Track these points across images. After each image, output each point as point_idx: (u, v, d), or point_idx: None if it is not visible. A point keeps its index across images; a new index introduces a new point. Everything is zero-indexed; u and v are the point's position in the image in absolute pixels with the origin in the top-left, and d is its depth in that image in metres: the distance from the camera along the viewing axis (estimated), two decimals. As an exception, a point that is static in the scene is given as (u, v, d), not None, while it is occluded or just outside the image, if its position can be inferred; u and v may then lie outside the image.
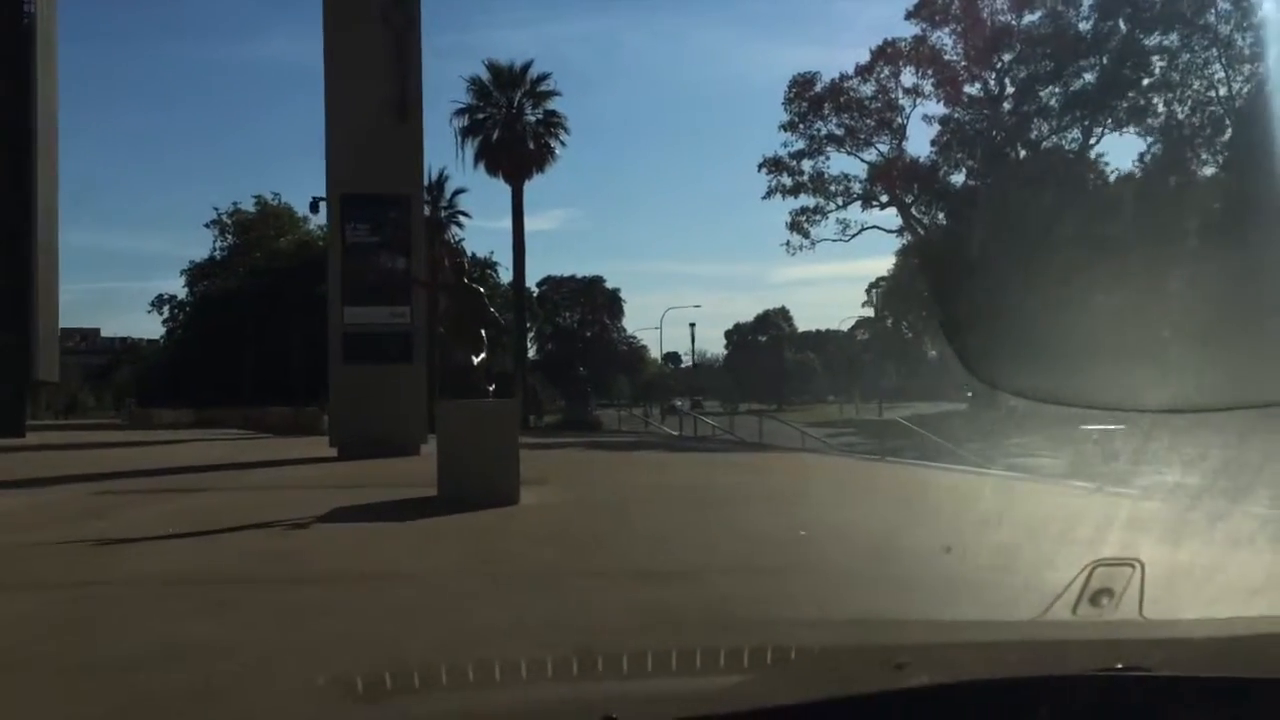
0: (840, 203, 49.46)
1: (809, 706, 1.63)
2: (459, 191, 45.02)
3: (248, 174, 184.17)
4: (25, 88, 35.92)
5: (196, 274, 59.30)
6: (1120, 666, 1.71)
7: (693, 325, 57.72)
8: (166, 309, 61.09)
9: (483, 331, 12.15)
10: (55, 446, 28.04)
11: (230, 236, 61.27)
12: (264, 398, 45.46)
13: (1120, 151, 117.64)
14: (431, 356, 22.87)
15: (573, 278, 73.73)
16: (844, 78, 48.29)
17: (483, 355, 11.90)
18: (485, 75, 42.77)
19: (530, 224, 56.00)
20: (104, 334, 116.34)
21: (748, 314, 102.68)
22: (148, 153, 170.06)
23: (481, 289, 12.30)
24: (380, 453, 19.02)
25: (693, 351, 65.30)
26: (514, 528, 9.58)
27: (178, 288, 62.28)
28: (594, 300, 72.67)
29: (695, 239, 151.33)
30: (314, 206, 23.14)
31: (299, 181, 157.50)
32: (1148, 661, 1.76)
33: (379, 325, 20.86)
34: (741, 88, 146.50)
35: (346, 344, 20.84)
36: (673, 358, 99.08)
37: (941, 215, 49.32)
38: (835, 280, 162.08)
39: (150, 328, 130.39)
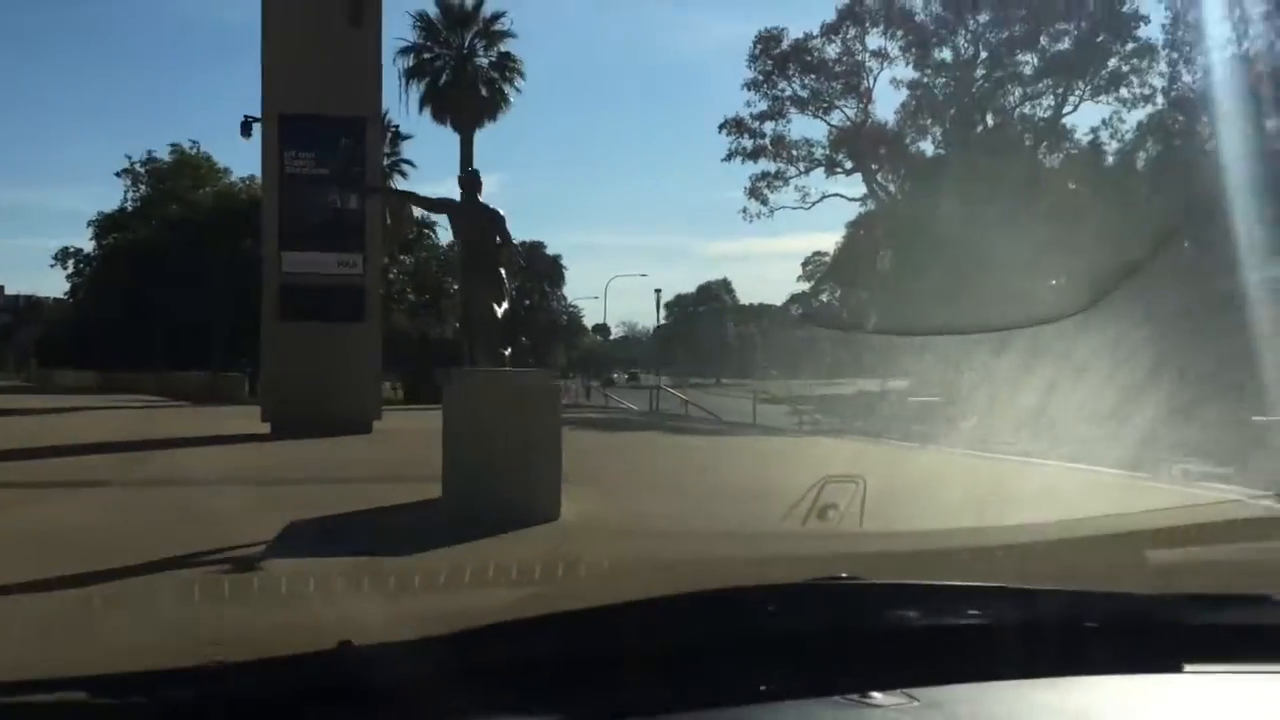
0: (802, 168, 46.20)
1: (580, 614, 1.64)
2: (403, 138, 40.61)
3: (164, 127, 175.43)
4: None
5: (105, 226, 53.56)
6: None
7: (659, 291, 51.99)
8: (71, 264, 55.32)
9: (502, 272, 8.37)
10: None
11: (144, 187, 55.75)
12: (178, 361, 40.67)
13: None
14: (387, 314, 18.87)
15: (512, 242, 69.39)
16: (809, 37, 45.02)
17: (505, 305, 8.12)
18: (434, 12, 38.37)
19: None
20: (8, 291, 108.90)
21: (687, 286, 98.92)
22: (56, 106, 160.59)
23: (501, 211, 8.43)
24: (324, 430, 15.14)
25: (658, 319, 60.70)
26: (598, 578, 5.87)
27: (84, 242, 56.66)
28: (534, 266, 68.19)
29: (635, 208, 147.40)
30: (246, 128, 18.78)
31: (218, 133, 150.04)
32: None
33: (324, 275, 16.81)
34: (690, 58, 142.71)
35: (284, 297, 16.72)
36: (601, 330, 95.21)
37: (907, 184, 46.35)
38: (777, 256, 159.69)
39: (57, 285, 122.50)
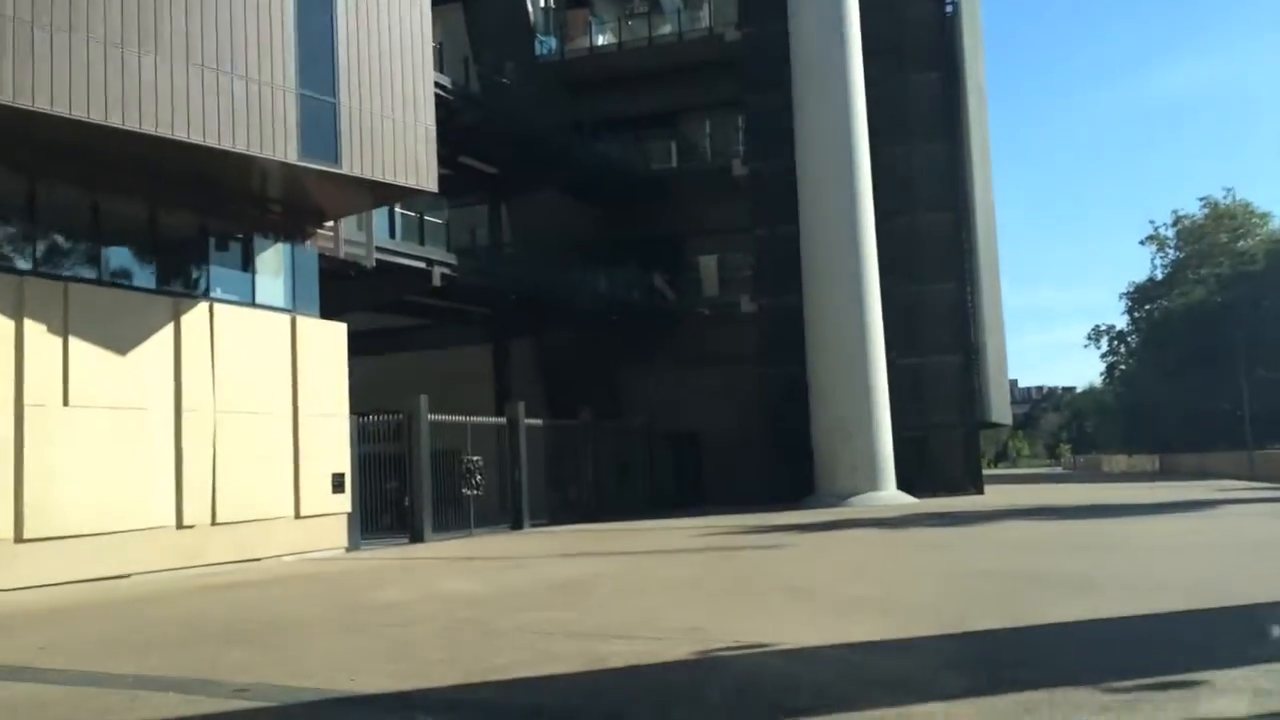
0: None
1: None
2: None
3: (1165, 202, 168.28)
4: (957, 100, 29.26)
5: (1137, 298, 48.93)
6: None
7: None
8: (1104, 341, 51.69)
9: None
10: (1020, 513, 19.89)
11: (1171, 250, 50.00)
12: (1267, 435, 32.92)
13: None
14: None
15: None
16: None
17: None
18: None
19: None
20: (1020, 385, 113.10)
21: None
22: (1050, 211, 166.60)
23: None
24: None
25: None
26: None
27: (1115, 318, 52.91)
28: None
29: None
30: None
31: (1254, 176, 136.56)
32: None
33: None
34: None
35: None
36: None
37: None
38: None
39: (1063, 376, 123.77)
